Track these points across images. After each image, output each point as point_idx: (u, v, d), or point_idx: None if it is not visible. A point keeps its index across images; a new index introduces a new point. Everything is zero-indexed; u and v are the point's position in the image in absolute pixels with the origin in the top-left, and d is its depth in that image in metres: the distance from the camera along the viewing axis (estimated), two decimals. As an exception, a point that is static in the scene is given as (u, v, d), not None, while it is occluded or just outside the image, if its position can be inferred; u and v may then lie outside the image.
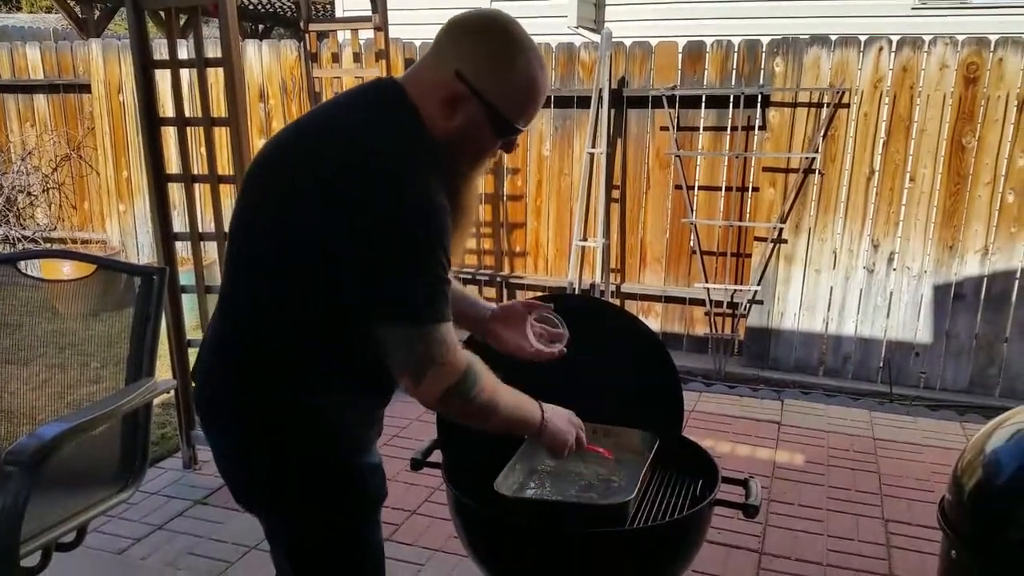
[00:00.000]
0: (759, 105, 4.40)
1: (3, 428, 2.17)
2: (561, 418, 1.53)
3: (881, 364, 4.39)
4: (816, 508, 3.02)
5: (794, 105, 4.32)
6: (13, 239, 6.39)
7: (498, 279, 5.12)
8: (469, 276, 5.16)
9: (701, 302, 4.64)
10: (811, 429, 3.75)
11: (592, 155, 4.66)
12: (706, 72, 4.47)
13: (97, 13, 9.83)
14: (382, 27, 3.93)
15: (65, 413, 2.14)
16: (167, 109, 4.30)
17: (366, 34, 4.27)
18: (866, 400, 4.18)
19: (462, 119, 1.29)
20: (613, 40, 4.56)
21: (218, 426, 1.40)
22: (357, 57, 4.26)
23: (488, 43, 1.29)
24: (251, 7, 10.74)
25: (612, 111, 4.60)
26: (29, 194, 6.51)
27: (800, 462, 3.42)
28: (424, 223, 1.21)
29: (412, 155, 1.25)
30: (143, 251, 6.14)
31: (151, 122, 2.92)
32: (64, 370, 2.25)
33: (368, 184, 1.20)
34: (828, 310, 4.43)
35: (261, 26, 11.77)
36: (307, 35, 4.07)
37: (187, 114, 2.99)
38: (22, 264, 2.22)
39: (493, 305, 1.69)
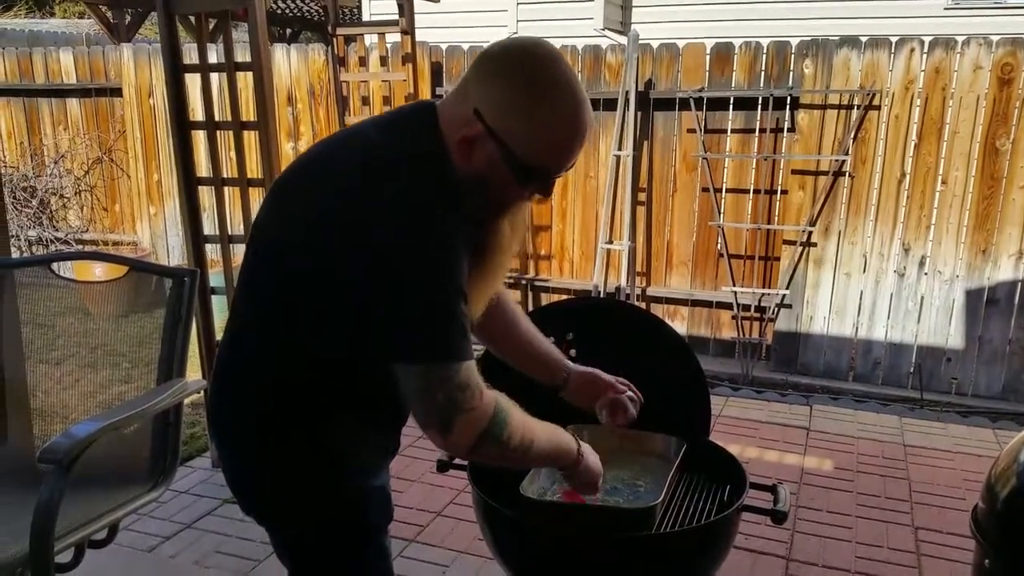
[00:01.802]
0: (788, 107, 4.36)
1: (36, 427, 2.20)
2: (593, 452, 1.49)
3: (912, 369, 4.33)
4: (845, 515, 2.98)
5: (824, 107, 4.27)
6: (46, 240, 6.52)
7: (523, 281, 5.12)
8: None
9: (728, 306, 4.61)
10: (840, 435, 3.70)
11: (618, 157, 4.65)
12: (734, 74, 4.44)
13: (128, 18, 9.98)
14: (409, 31, 3.95)
15: (96, 412, 2.17)
16: (197, 113, 4.36)
17: (393, 38, 4.29)
18: (896, 406, 4.12)
19: (481, 161, 1.20)
20: (640, 42, 4.54)
21: (227, 448, 1.39)
22: (384, 61, 4.29)
23: (512, 82, 1.18)
24: (279, 11, 10.85)
25: (639, 113, 4.58)
26: (62, 196, 6.63)
27: (829, 468, 3.38)
28: (434, 258, 1.15)
29: (428, 189, 1.18)
30: (173, 253, 6.23)
31: (181, 126, 2.96)
32: (95, 370, 2.27)
33: (377, 215, 1.15)
34: (858, 314, 4.38)
35: (289, 30, 11.89)
36: (335, 39, 4.11)
37: (217, 118, 3.03)
38: (55, 265, 2.25)
39: (570, 365, 1.69)
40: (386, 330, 1.17)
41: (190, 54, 4.59)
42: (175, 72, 2.87)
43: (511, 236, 1.35)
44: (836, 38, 4.25)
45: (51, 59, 6.41)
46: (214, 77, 3.09)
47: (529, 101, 1.17)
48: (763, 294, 4.51)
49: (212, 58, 3.56)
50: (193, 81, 3.08)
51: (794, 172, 4.39)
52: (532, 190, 1.27)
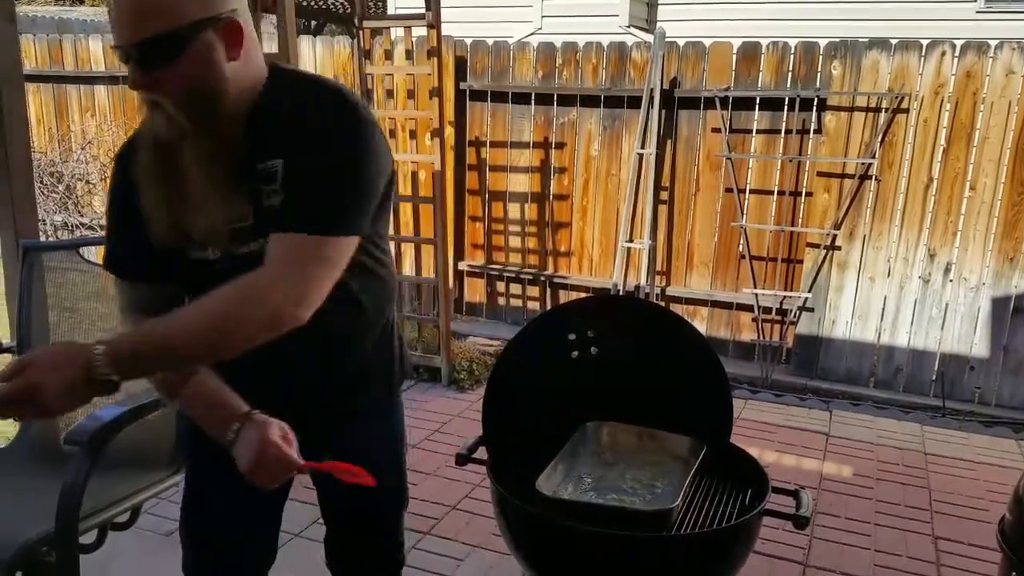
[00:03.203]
0: (815, 108, 4.32)
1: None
2: (249, 446, 1.28)
3: (934, 377, 4.27)
4: (863, 522, 2.95)
5: (851, 109, 4.22)
6: (71, 225, 6.58)
7: (542, 278, 5.11)
8: (513, 275, 5.16)
9: (749, 307, 4.57)
10: (860, 441, 3.67)
11: (641, 156, 4.62)
12: (761, 74, 4.40)
13: (157, 7, 10.04)
14: (435, 25, 3.94)
15: (120, 397, 2.18)
16: (223, 102, 4.37)
17: (419, 31, 4.29)
18: (918, 414, 4.08)
19: None
20: (666, 40, 4.51)
21: None
22: (409, 54, 4.29)
23: None
24: (304, 3, 10.88)
25: (663, 111, 4.56)
26: (87, 182, 6.70)
27: (848, 474, 3.35)
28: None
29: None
30: (195, 241, 6.26)
31: (208, 114, 2.97)
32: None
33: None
34: (881, 320, 4.33)
35: (314, 22, 11.92)
36: (361, 32, 4.11)
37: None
38: (82, 250, 2.28)
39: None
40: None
41: (217, 44, 4.61)
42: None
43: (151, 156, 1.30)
44: (865, 40, 4.20)
45: (80, 46, 6.46)
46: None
47: None
48: (785, 297, 4.47)
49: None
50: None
51: (819, 174, 4.34)
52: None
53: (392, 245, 5.11)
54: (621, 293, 4.69)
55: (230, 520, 1.51)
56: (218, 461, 1.33)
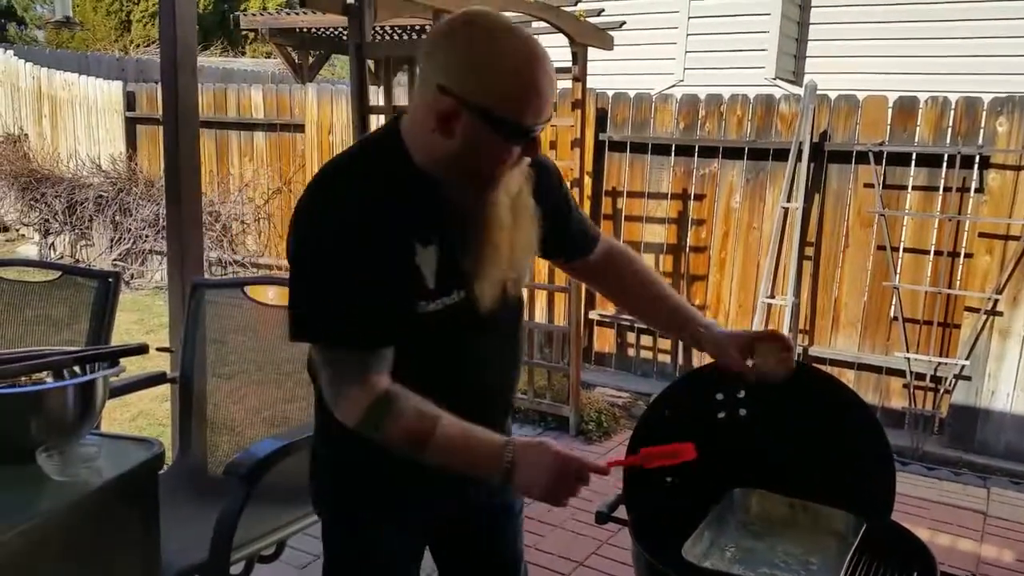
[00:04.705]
0: (976, 166, 4.06)
1: (209, 436, 2.33)
2: (538, 467, 1.32)
3: (1114, 461, 3.86)
4: (1034, 618, 2.67)
5: (1018, 168, 3.94)
6: (224, 262, 7.03)
7: (675, 331, 4.99)
8: (644, 326, 5.08)
9: (900, 372, 4.29)
10: (1023, 524, 3.35)
11: (786, 209, 4.48)
12: (918, 129, 4.19)
13: (311, 59, 10.76)
14: (581, 78, 4.00)
15: (261, 428, 2.27)
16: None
17: (563, 84, 4.37)
18: (1094, 500, 3.68)
19: (462, 134, 1.21)
20: (816, 93, 4.38)
21: None
22: (553, 106, 4.37)
23: (462, 44, 1.20)
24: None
25: (811, 165, 4.41)
26: (243, 222, 7.15)
27: (1010, 560, 3.06)
28: (330, 250, 1.22)
29: (352, 184, 1.27)
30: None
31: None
32: (261, 387, 2.39)
33: (295, 214, 1.27)
34: (1049, 394, 3.96)
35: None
36: (506, 83, 4.23)
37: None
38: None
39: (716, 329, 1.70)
40: (289, 308, 1.29)
41: (372, 96, 4.85)
42: (362, 113, 3.03)
43: (511, 216, 1.33)
44: (1036, 94, 3.93)
45: (243, 95, 6.97)
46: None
47: (485, 56, 1.19)
48: (940, 363, 4.17)
49: (379, 99, 3.74)
50: (374, 121, 3.24)
51: (981, 235, 4.06)
52: (514, 147, 1.24)
53: (524, 292, 5.18)
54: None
55: None
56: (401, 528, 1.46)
